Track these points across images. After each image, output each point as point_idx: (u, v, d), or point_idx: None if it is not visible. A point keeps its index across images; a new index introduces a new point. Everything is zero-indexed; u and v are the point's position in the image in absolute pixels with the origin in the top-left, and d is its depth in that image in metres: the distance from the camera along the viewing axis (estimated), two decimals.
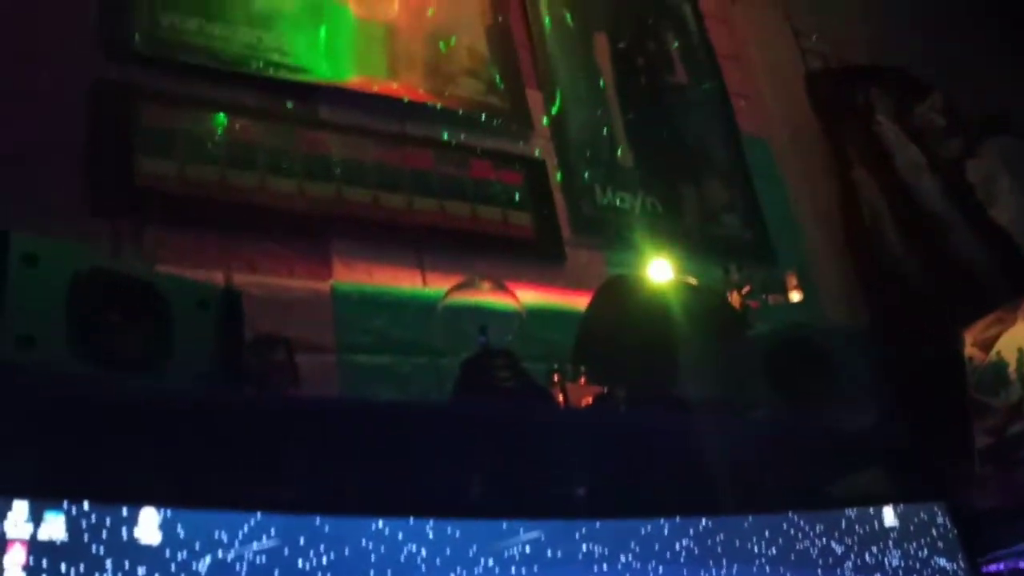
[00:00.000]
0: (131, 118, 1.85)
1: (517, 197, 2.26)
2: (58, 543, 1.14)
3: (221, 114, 1.97)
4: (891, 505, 1.85)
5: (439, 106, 2.27)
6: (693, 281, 1.96)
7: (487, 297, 1.79)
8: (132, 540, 1.18)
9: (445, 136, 2.25)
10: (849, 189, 2.77)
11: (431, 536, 1.37)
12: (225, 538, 1.23)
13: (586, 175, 2.41)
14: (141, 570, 1.17)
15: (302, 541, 1.28)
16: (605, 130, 2.53)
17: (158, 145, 1.85)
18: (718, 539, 1.64)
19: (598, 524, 1.52)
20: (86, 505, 1.17)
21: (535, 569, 1.44)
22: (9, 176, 1.67)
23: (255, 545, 1.25)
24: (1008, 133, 2.92)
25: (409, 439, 1.45)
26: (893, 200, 2.70)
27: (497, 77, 2.42)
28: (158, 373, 1.35)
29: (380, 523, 1.34)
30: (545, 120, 2.43)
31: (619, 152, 2.52)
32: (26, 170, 1.70)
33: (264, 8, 2.18)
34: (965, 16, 3.35)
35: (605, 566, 1.50)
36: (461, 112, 2.29)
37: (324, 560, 1.28)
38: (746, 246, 2.54)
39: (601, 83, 2.61)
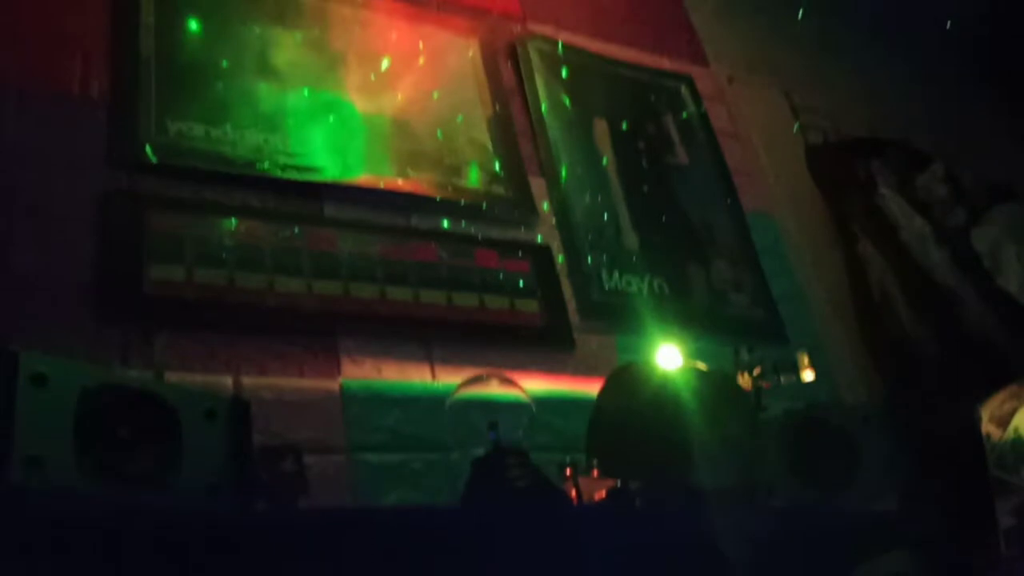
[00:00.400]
0: (140, 226, 1.87)
1: (524, 285, 2.27)
2: None
3: (229, 217, 1.99)
4: None
5: (443, 198, 2.29)
6: (703, 366, 1.95)
7: (496, 392, 1.79)
8: None
9: (450, 227, 2.27)
10: (856, 263, 2.78)
11: None
12: None
13: (592, 259, 2.42)
14: None
15: None
16: (609, 213, 2.55)
17: (167, 251, 1.87)
18: None
19: None
20: None
21: None
22: (18, 289, 1.69)
23: None
24: (1012, 200, 2.93)
25: (422, 545, 1.43)
26: (901, 272, 2.70)
27: (500, 166, 2.45)
28: (167, 488, 1.34)
29: None
30: (546, 206, 2.45)
31: (624, 235, 2.53)
32: (35, 282, 1.72)
33: (270, 109, 2.22)
34: (962, 87, 3.39)
35: None
36: (465, 203, 2.32)
37: None
38: (756, 325, 2.54)
39: (603, 166, 2.64)
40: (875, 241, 2.77)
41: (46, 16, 2.07)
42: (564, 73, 2.76)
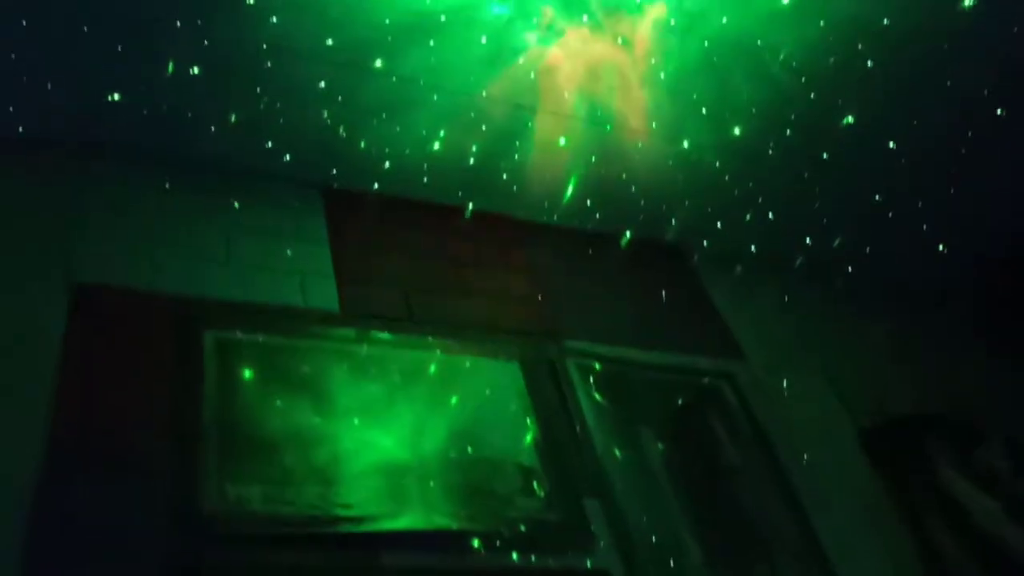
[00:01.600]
0: None
1: None
2: None
3: None
4: None
5: (496, 532, 2.29)
6: None
7: None
8: None
9: (505, 561, 2.25)
10: (929, 547, 2.68)
11: None
12: None
13: None
14: None
15: None
16: (667, 527, 2.51)
17: None
18: None
19: None
20: None
21: None
22: None
23: None
24: None
25: None
26: (979, 556, 2.59)
27: (549, 490, 2.46)
28: None
29: None
30: (600, 526, 2.41)
31: (685, 548, 2.48)
32: None
33: (324, 461, 2.29)
34: (998, 350, 3.42)
35: None
36: (518, 534, 2.30)
37: None
38: None
39: (654, 477, 2.64)
40: (945, 524, 2.68)
41: (111, 389, 2.22)
42: (605, 385, 2.83)
